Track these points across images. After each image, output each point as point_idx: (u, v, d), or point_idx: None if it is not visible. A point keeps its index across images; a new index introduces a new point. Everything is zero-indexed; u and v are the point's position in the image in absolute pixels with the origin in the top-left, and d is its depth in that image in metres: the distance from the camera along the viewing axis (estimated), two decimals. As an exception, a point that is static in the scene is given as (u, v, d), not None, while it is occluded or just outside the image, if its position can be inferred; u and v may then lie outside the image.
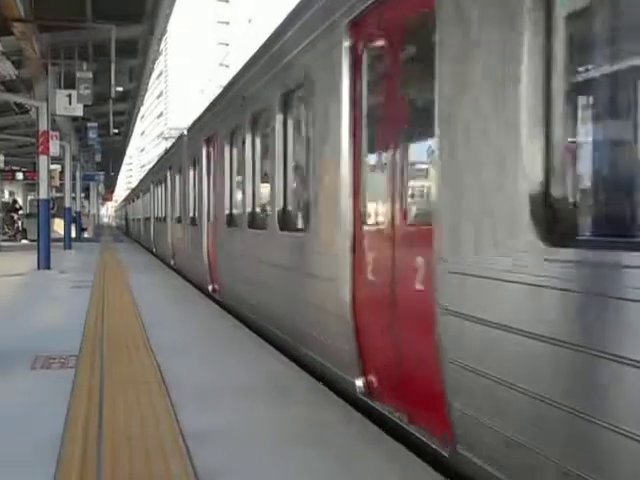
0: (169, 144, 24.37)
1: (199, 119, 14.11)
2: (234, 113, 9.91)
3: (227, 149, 10.47)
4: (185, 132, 16.08)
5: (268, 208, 7.96)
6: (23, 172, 37.17)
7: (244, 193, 9.16)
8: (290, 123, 7.27)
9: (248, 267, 8.94)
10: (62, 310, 10.08)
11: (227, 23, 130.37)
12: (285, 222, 7.28)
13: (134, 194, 44.92)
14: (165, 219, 20.51)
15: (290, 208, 7.30)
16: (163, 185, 21.63)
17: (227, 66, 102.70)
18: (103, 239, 40.09)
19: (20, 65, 17.33)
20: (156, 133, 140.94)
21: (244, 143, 9.08)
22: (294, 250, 6.77)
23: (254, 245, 8.66)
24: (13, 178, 37.83)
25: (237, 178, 9.99)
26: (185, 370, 6.13)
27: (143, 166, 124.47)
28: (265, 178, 8.34)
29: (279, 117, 7.37)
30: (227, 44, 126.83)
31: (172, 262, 18.40)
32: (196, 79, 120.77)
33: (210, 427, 4.50)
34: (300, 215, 6.98)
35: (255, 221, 8.77)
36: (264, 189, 8.41)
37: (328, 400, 5.21)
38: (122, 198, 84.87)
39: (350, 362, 5.19)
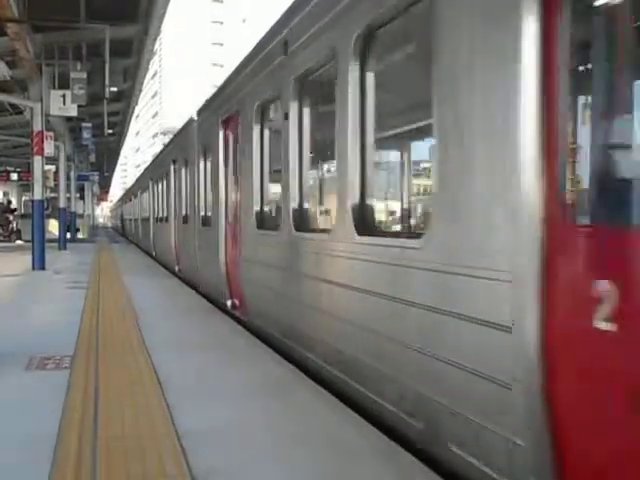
0: (167, 139, 24.00)
1: (214, 97, 11.61)
2: (269, 78, 7.48)
3: (256, 128, 8.11)
4: (194, 116, 13.48)
5: (333, 203, 5.75)
6: (18, 173, 37.19)
7: (287, 185, 6.77)
8: (374, 73, 5.10)
9: (296, 284, 6.57)
10: (57, 311, 10.05)
11: (221, 23, 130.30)
12: (368, 223, 5.10)
13: (131, 193, 42.10)
14: (167, 219, 18.19)
15: (374, 202, 5.20)
16: (165, 181, 19.04)
17: (222, 66, 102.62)
18: (98, 240, 40.04)
19: (14, 66, 17.31)
20: (151, 133, 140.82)
21: (287, 116, 6.70)
22: (392, 268, 4.40)
23: (306, 256, 6.30)
24: (8, 179, 37.82)
25: (273, 166, 7.69)
26: (180, 370, 6.14)
27: (138, 166, 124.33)
28: (324, 162, 6.30)
29: (354, 68, 5.09)
30: (222, 44, 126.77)
31: (176, 268, 16.30)
32: (191, 79, 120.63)
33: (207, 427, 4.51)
34: (407, 211, 5.37)
35: (306, 222, 6.63)
36: (324, 178, 6.51)
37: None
38: (117, 198, 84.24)
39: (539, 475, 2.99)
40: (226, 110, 10.02)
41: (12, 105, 22.75)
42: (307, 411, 4.86)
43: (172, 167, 17.26)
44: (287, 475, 3.73)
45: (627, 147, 2.88)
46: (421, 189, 6.58)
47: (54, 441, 4.18)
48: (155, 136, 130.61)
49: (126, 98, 26.59)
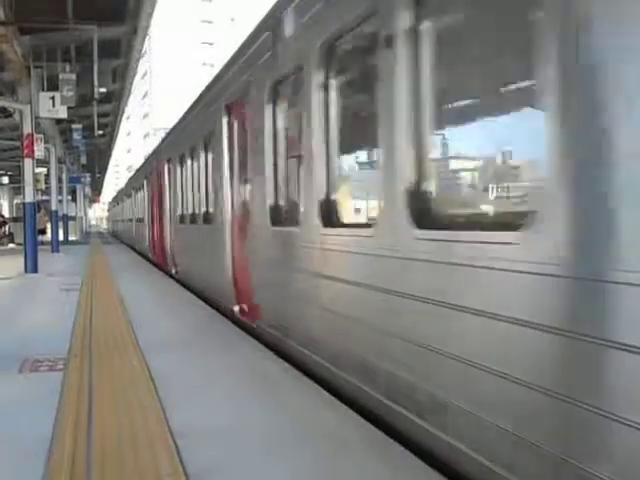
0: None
1: None
2: None
3: None
4: None
5: None
6: (9, 176, 37.10)
7: None
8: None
9: None
10: (50, 313, 10.03)
11: (210, 22, 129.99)
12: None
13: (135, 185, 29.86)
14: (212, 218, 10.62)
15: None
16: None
17: (212, 65, 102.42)
18: (92, 241, 39.93)
19: (2, 68, 17.24)
20: (142, 134, 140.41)
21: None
22: None
23: None
24: (-1, 182, 37.76)
25: None
26: (174, 369, 6.13)
27: (129, 167, 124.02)
28: None
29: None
30: (211, 43, 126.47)
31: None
32: (181, 79, 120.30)
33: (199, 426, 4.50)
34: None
35: None
36: None
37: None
38: (111, 199, 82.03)
39: None
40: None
41: (1, 108, 22.63)
42: (301, 407, 4.86)
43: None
44: (281, 472, 3.72)
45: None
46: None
47: (48, 443, 4.16)
48: (146, 136, 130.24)
49: (116, 99, 26.50)
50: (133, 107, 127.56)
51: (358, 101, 5.91)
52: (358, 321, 4.84)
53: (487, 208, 4.09)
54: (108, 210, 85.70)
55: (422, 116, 4.03)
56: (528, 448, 2.99)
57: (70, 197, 41.82)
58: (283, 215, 6.97)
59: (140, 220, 25.71)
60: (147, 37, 19.88)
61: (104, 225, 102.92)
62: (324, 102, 5.47)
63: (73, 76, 17.03)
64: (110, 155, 50.95)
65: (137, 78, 26.87)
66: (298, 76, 6.05)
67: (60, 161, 31.29)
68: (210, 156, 10.71)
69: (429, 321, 3.81)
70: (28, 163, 16.96)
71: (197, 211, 12.11)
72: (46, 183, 29.42)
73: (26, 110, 17.02)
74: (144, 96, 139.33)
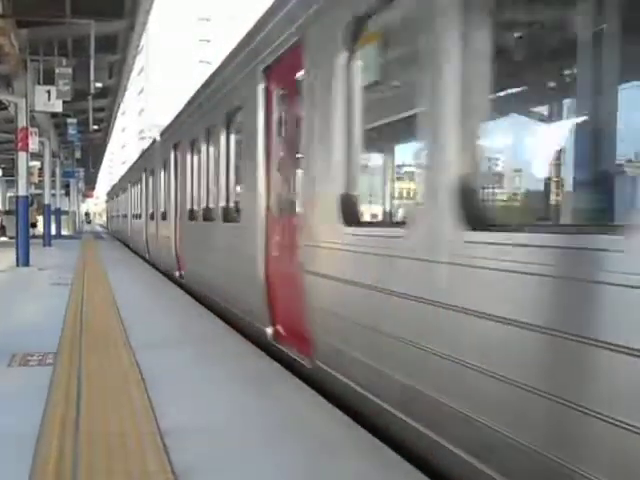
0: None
1: None
2: None
3: None
4: None
5: None
6: (2, 169, 37.00)
7: None
8: None
9: None
10: (40, 307, 10.00)
11: (208, 20, 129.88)
12: None
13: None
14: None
15: None
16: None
17: (209, 63, 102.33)
18: (84, 237, 39.83)
19: (-2, 61, 17.19)
20: (137, 130, 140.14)
21: None
22: None
23: None
24: (-8, 175, 37.66)
25: None
26: (164, 367, 6.12)
27: (124, 162, 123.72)
28: None
29: None
30: (209, 40, 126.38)
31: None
32: (177, 76, 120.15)
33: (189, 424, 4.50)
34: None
35: None
36: None
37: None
38: (105, 194, 78.85)
39: None
40: None
41: (-4, 101, 22.57)
42: (290, 408, 4.86)
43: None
44: (269, 471, 3.72)
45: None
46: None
47: (35, 438, 4.15)
48: (142, 132, 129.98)
49: (112, 94, 26.46)
50: (129, 103, 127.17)
51: None
52: None
53: None
54: (107, 202, 69.19)
55: None
56: None
57: (63, 191, 41.72)
58: None
59: (209, 217, 10.38)
60: (144, 33, 19.86)
61: (97, 220, 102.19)
62: None
63: (69, 70, 17.02)
64: (105, 150, 50.84)
65: (133, 74, 26.80)
66: None
67: (54, 155, 31.23)
68: None
69: None
70: (22, 156, 16.92)
71: None
72: (40, 177, 29.37)
73: (21, 103, 16.99)
74: (140, 92, 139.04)
